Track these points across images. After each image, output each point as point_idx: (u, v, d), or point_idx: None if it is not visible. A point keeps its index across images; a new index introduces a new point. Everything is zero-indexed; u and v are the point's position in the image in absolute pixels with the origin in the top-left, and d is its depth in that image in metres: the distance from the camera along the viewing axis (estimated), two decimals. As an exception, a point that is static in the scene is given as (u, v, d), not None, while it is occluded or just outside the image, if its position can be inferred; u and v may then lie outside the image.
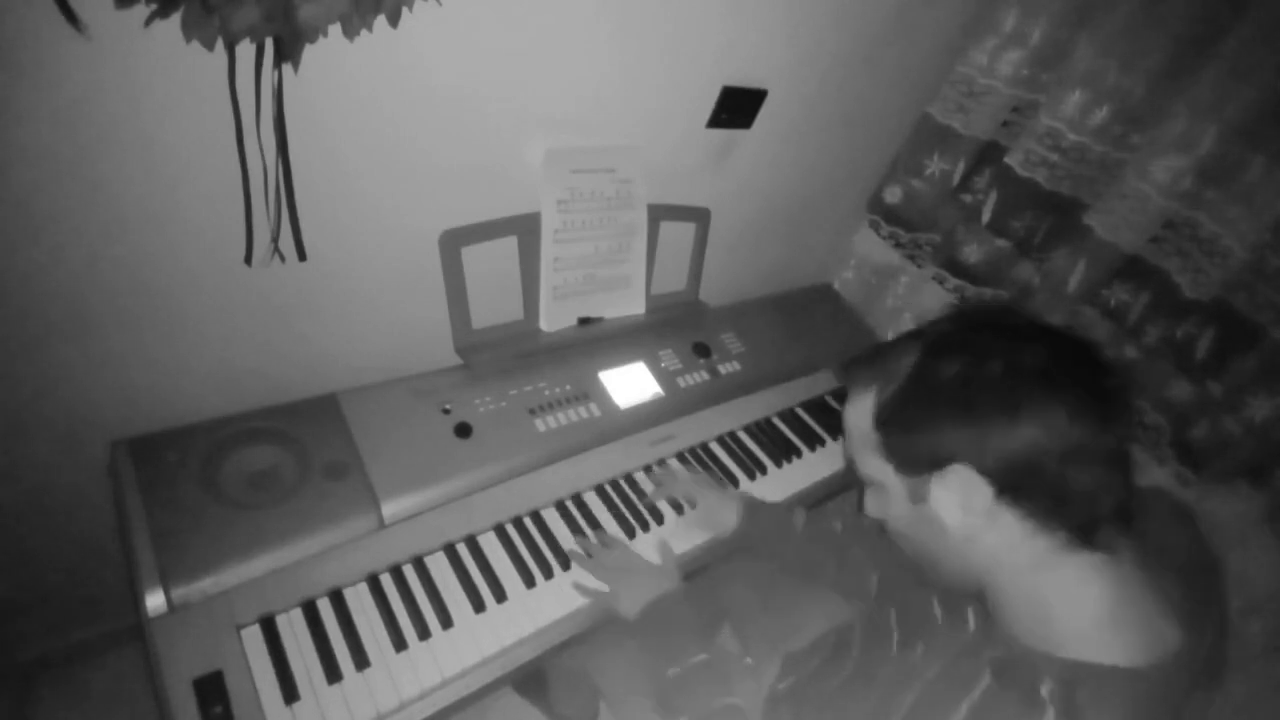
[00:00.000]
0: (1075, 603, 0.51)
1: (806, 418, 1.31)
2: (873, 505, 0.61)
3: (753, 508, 0.98)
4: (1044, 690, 0.47)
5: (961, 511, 0.52)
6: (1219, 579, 0.57)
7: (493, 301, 1.03)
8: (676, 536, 1.00)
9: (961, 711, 0.49)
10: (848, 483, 1.21)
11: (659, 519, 1.03)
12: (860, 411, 0.58)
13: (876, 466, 0.57)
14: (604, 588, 0.88)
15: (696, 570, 1.01)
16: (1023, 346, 0.51)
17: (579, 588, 0.89)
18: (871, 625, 0.74)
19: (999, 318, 0.55)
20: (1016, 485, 0.49)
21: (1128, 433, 0.50)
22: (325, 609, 0.80)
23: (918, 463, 0.53)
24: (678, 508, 1.04)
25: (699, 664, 0.76)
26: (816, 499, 1.19)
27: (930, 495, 0.53)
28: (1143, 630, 0.50)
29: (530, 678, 1.20)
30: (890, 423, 0.55)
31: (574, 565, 0.92)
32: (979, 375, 0.50)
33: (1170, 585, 0.52)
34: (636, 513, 1.03)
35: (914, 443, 0.54)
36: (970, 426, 0.50)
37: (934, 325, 0.56)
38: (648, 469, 1.11)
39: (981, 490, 0.50)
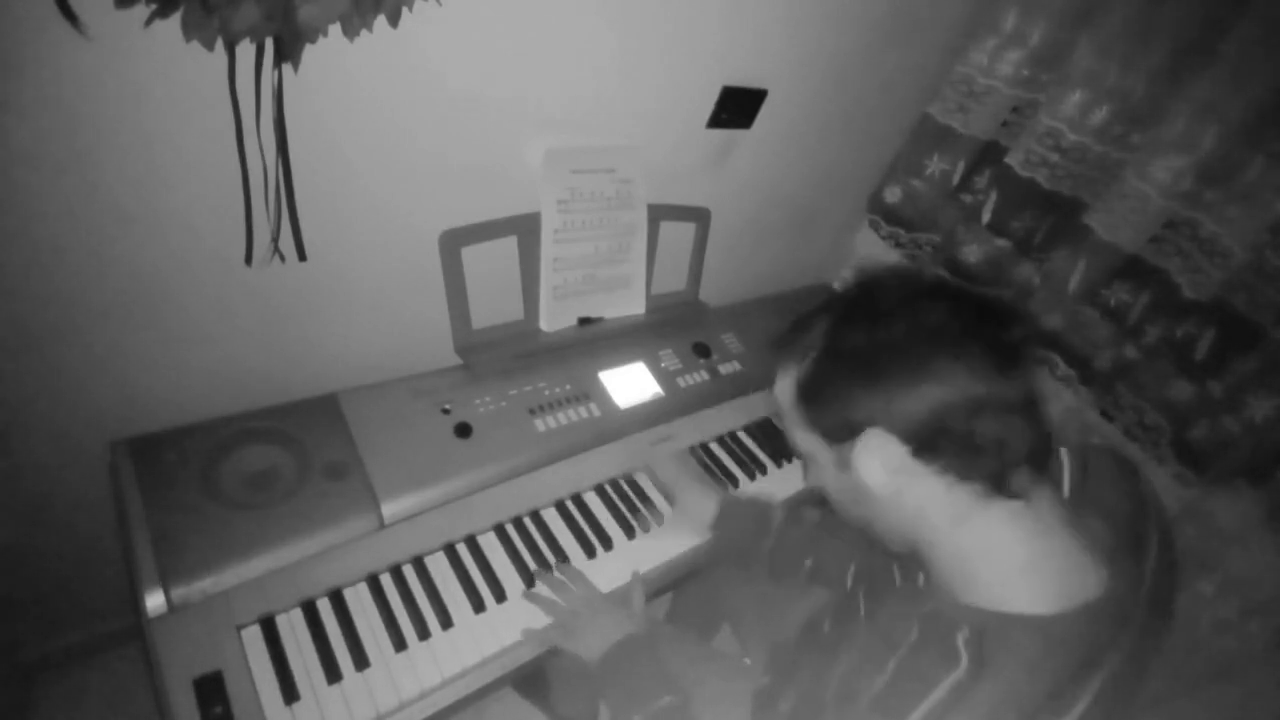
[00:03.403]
0: (995, 551, 0.53)
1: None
2: (810, 476, 0.63)
3: (730, 503, 0.96)
4: (959, 639, 0.49)
5: (883, 473, 0.53)
6: (1156, 524, 0.59)
7: (493, 301, 1.03)
8: (646, 551, 0.98)
9: (889, 668, 0.51)
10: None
11: (659, 520, 1.03)
12: (784, 388, 0.59)
13: (804, 439, 0.59)
14: (557, 635, 0.83)
15: (662, 589, 1.00)
16: (922, 307, 0.52)
17: (529, 633, 0.84)
18: (842, 608, 0.75)
19: (902, 280, 0.56)
20: (928, 442, 0.51)
21: (1030, 380, 0.51)
22: (325, 609, 0.80)
23: (838, 431, 0.55)
24: (628, 529, 1.00)
25: (663, 708, 0.74)
26: (815, 499, 1.19)
27: (854, 461, 0.54)
28: (1060, 577, 0.52)
29: (530, 678, 1.20)
30: (808, 396, 0.57)
31: (532, 603, 0.87)
32: (881, 340, 0.52)
33: (1100, 531, 0.55)
34: (636, 512, 1.03)
35: (831, 412, 0.55)
36: (878, 392, 0.52)
37: (840, 294, 0.58)
38: (648, 469, 1.11)
39: (897, 450, 0.51)
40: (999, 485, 0.51)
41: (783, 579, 0.93)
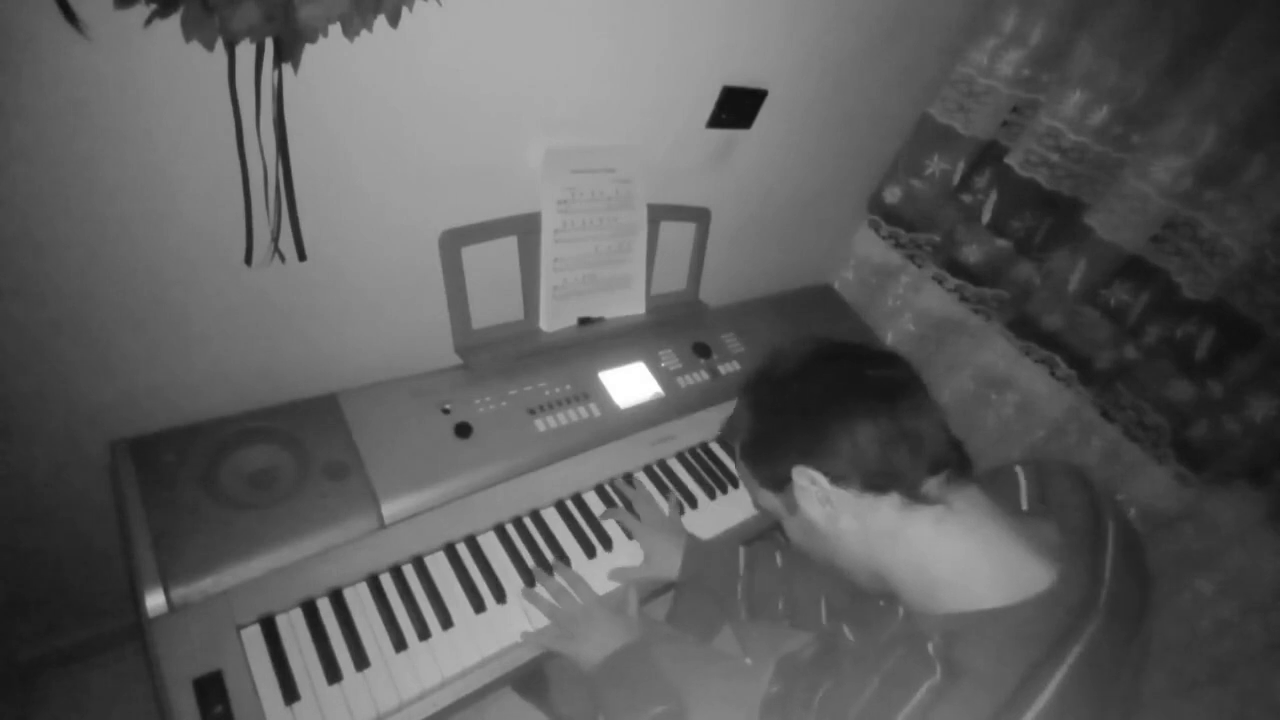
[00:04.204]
0: (933, 556, 0.59)
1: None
2: (786, 531, 0.72)
3: (694, 553, 0.94)
4: (930, 648, 0.54)
5: (818, 504, 0.62)
6: (1113, 523, 0.63)
7: (493, 301, 1.03)
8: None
9: (874, 683, 0.56)
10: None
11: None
12: (737, 460, 0.72)
13: (761, 496, 0.70)
14: (555, 641, 0.84)
15: (662, 589, 1.00)
16: (815, 366, 0.64)
17: (529, 636, 0.84)
18: (830, 640, 0.78)
19: (796, 350, 0.67)
20: (841, 471, 0.60)
21: (918, 406, 0.60)
22: (325, 609, 0.80)
23: (776, 480, 0.66)
24: (629, 530, 0.99)
25: (657, 716, 0.75)
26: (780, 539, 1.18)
27: (796, 501, 0.64)
28: (1002, 570, 0.57)
29: (530, 678, 1.20)
30: (748, 460, 0.69)
31: (531, 604, 0.87)
32: (787, 399, 0.64)
33: (1047, 531, 0.60)
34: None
35: (766, 464, 0.67)
36: (793, 438, 0.63)
37: (750, 376, 0.70)
38: (648, 469, 1.11)
39: (820, 482, 0.61)
40: (914, 494, 0.59)
41: (760, 618, 0.93)
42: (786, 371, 0.66)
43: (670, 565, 0.94)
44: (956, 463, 0.61)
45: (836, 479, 0.60)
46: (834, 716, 0.57)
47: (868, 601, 0.72)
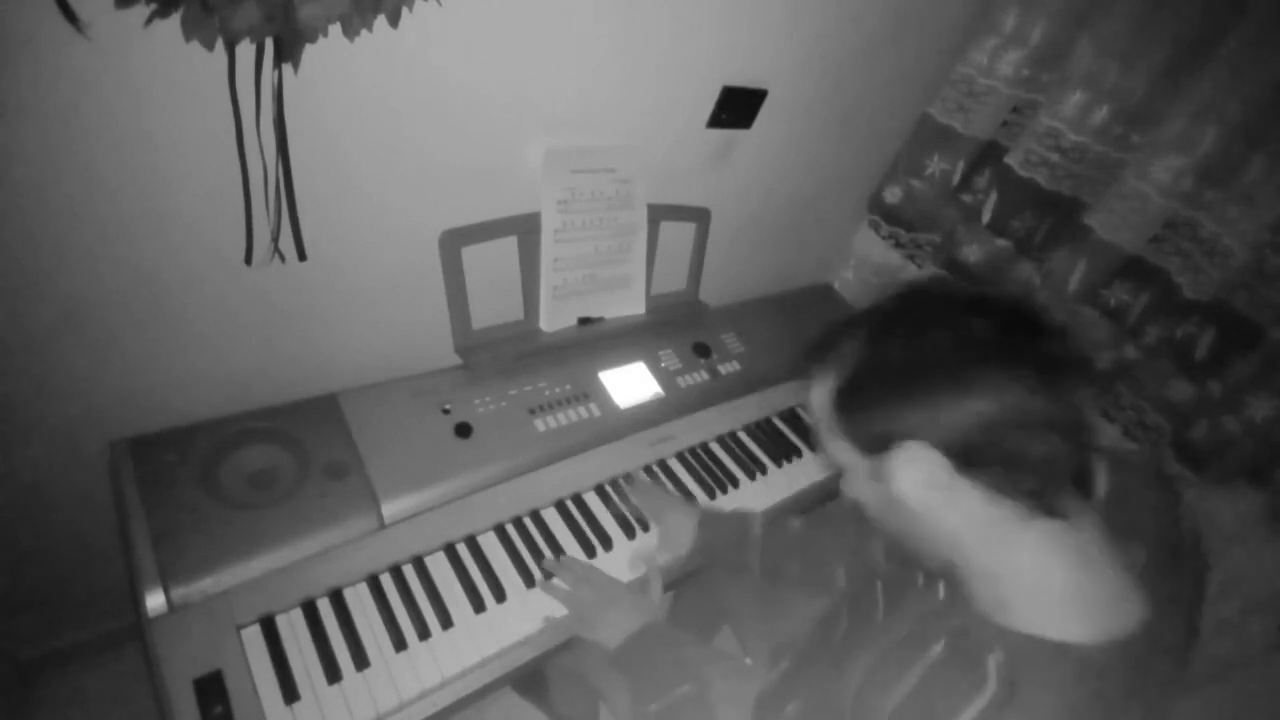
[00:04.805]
0: (1033, 574, 0.51)
1: (807, 418, 1.31)
2: (846, 485, 0.61)
3: (708, 521, 0.95)
4: (991, 662, 0.47)
5: (922, 487, 0.51)
6: (1192, 556, 0.57)
7: (493, 301, 1.03)
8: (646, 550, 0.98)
9: (910, 679, 0.50)
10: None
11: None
12: (820, 396, 0.57)
13: (839, 449, 0.57)
14: (576, 624, 0.84)
15: (679, 579, 1.00)
16: (967, 319, 0.50)
17: (550, 620, 0.85)
18: (856, 603, 0.72)
19: (946, 292, 0.55)
20: (972, 457, 0.49)
21: (1080, 397, 0.49)
22: (325, 609, 0.80)
23: (875, 443, 0.53)
24: (628, 529, 1.00)
25: (681, 696, 0.74)
26: (816, 499, 1.19)
27: (891, 473, 0.52)
28: (1100, 606, 0.50)
29: (530, 678, 1.19)
30: (846, 406, 0.54)
31: (547, 594, 0.88)
32: (927, 353, 0.50)
33: (1135, 553, 0.53)
34: (636, 513, 1.03)
35: (870, 424, 0.53)
36: (921, 405, 0.50)
37: (879, 305, 0.56)
38: (648, 469, 1.11)
39: (938, 465, 0.49)
40: (1041, 504, 0.50)
41: (775, 583, 0.93)
42: (930, 318, 0.52)
43: (685, 536, 0.94)
44: (1090, 475, 0.53)
45: (961, 466, 0.49)
46: (864, 706, 0.52)
47: (904, 573, 0.67)
